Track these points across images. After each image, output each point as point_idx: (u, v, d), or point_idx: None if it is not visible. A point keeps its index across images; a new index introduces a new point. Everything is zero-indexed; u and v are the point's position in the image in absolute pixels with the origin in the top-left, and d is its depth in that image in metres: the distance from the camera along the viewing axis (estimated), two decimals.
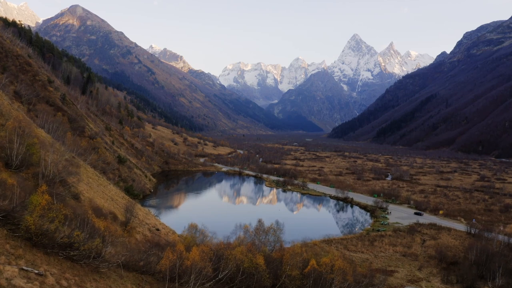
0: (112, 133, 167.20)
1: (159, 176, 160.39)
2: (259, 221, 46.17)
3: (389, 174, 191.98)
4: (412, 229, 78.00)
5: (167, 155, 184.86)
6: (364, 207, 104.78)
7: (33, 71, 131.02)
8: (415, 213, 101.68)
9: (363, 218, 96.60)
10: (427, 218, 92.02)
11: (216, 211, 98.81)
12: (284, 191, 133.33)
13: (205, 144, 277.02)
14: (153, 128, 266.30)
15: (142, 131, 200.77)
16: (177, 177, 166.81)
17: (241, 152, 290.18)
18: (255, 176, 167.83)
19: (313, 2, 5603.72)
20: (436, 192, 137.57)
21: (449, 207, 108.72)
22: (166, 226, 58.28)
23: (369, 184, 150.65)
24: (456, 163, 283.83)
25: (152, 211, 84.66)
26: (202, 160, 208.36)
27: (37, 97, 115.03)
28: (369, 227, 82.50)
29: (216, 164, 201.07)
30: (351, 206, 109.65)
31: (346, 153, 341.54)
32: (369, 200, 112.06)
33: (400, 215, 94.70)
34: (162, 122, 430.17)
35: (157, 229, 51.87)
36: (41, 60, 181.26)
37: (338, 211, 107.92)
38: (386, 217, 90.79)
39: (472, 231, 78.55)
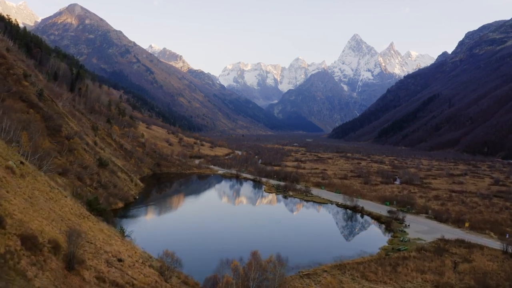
0: (99, 132, 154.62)
1: (149, 179, 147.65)
2: (254, 254, 33.48)
3: (397, 177, 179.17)
4: (440, 248, 65.23)
5: (159, 156, 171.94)
6: (377, 218, 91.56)
7: (7, 63, 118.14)
8: (388, 212, 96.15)
9: (378, 232, 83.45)
10: (452, 232, 79.34)
11: (205, 223, 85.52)
12: (285, 197, 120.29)
13: (202, 145, 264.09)
14: (147, 127, 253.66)
15: (133, 131, 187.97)
16: (169, 181, 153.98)
17: (239, 153, 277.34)
18: (253, 180, 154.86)
19: (313, 2, 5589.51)
20: (453, 199, 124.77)
21: (471, 217, 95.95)
22: (136, 252, 45.45)
23: (378, 189, 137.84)
24: (464, 165, 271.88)
25: (128, 226, 72.03)
26: (197, 161, 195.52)
27: (8, 92, 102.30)
28: (387, 245, 69.58)
29: (212, 166, 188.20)
30: (362, 216, 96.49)
31: (349, 154, 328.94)
32: (381, 209, 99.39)
33: (420, 228, 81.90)
34: (159, 121, 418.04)
35: (120, 260, 39.08)
36: (22, 54, 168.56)
37: (347, 222, 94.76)
38: (404, 231, 78.02)
39: (510, 250, 66.15)
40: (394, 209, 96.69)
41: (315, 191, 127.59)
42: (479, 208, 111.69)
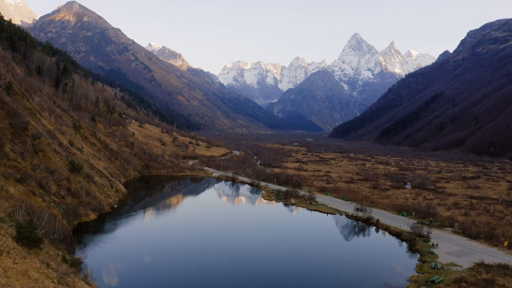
0: (82, 131, 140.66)
1: (136, 183, 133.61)
2: None
3: (407, 180, 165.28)
4: (485, 281, 51.13)
5: (148, 157, 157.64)
6: (397, 234, 76.52)
7: None
8: (357, 209, 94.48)
9: (400, 253, 68.47)
10: (488, 253, 65.41)
11: (188, 243, 70.42)
12: (286, 205, 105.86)
13: (197, 145, 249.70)
14: (139, 126, 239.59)
15: (122, 130, 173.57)
16: (158, 185, 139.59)
17: (237, 153, 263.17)
18: (251, 184, 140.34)
19: (313, 1, 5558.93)
20: (474, 207, 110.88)
21: (503, 230, 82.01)
22: None
23: (389, 195, 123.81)
24: (473, 166, 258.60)
25: (94, 247, 58.42)
26: (191, 163, 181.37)
27: None
28: (416, 274, 55.26)
29: (207, 168, 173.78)
30: (376, 230, 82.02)
31: (352, 155, 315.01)
32: (399, 221, 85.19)
33: (450, 247, 67.82)
34: (156, 120, 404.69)
35: None
36: None
37: (360, 238, 79.38)
38: (433, 253, 63.91)
39: None
40: (414, 221, 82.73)
41: (320, 197, 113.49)
42: (507, 218, 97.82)
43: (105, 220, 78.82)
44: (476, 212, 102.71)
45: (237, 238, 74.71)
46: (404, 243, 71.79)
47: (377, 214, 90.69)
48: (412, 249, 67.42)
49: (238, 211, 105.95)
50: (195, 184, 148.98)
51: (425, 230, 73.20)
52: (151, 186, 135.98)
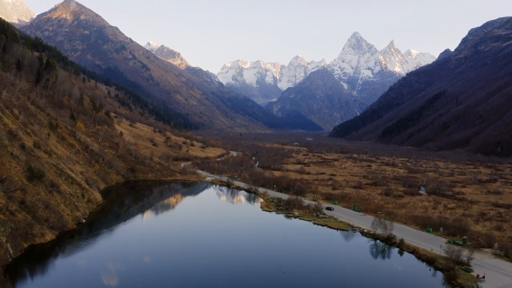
0: (60, 131, 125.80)
1: (119, 189, 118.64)
2: None
3: (420, 185, 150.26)
4: None
5: (134, 159, 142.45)
6: (428, 260, 59.98)
7: None
8: (327, 208, 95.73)
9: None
10: None
11: (165, 275, 54.59)
12: (288, 217, 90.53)
13: (192, 145, 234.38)
14: (130, 125, 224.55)
15: (107, 129, 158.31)
16: (142, 191, 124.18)
17: (234, 154, 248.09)
18: (247, 191, 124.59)
19: (313, 1, 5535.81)
20: (504, 217, 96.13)
21: None
22: None
23: (406, 204, 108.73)
24: (484, 168, 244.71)
25: (39, 279, 43.50)
26: (183, 165, 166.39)
27: None
28: None
29: (200, 172, 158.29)
30: (400, 253, 66.37)
31: (355, 155, 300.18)
32: (425, 240, 69.69)
33: (499, 280, 52.66)
34: (151, 119, 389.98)
35: None
36: None
37: (380, 264, 63.43)
38: None
39: None
40: (443, 239, 67.73)
41: (327, 207, 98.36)
42: None
43: (65, 241, 63.68)
44: (509, 225, 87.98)
45: (226, 270, 58.39)
46: (439, 273, 56.34)
47: (397, 229, 75.14)
48: (452, 283, 52.02)
49: (229, 228, 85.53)
50: (184, 190, 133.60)
51: (464, 255, 57.85)
52: (135, 193, 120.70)
